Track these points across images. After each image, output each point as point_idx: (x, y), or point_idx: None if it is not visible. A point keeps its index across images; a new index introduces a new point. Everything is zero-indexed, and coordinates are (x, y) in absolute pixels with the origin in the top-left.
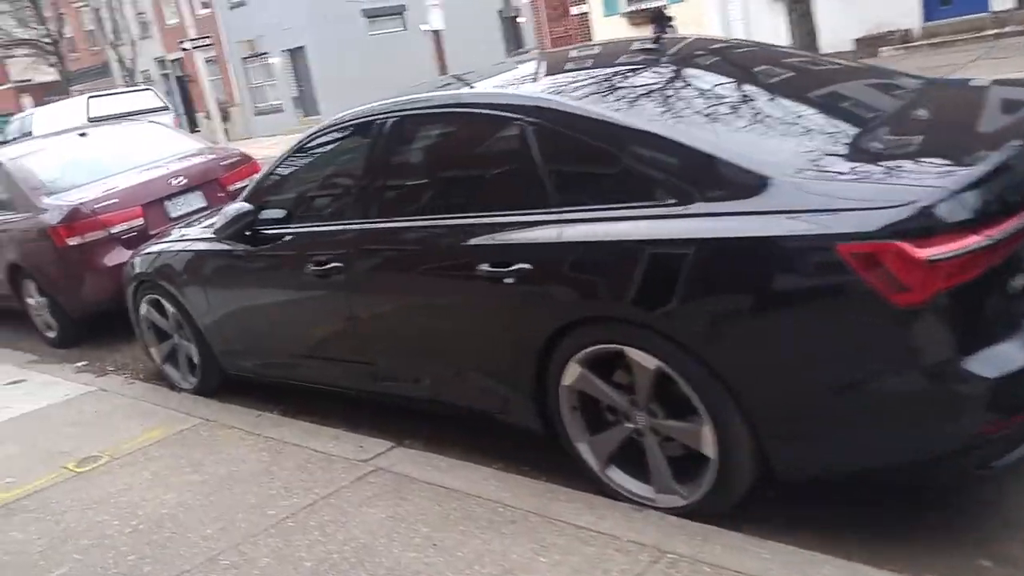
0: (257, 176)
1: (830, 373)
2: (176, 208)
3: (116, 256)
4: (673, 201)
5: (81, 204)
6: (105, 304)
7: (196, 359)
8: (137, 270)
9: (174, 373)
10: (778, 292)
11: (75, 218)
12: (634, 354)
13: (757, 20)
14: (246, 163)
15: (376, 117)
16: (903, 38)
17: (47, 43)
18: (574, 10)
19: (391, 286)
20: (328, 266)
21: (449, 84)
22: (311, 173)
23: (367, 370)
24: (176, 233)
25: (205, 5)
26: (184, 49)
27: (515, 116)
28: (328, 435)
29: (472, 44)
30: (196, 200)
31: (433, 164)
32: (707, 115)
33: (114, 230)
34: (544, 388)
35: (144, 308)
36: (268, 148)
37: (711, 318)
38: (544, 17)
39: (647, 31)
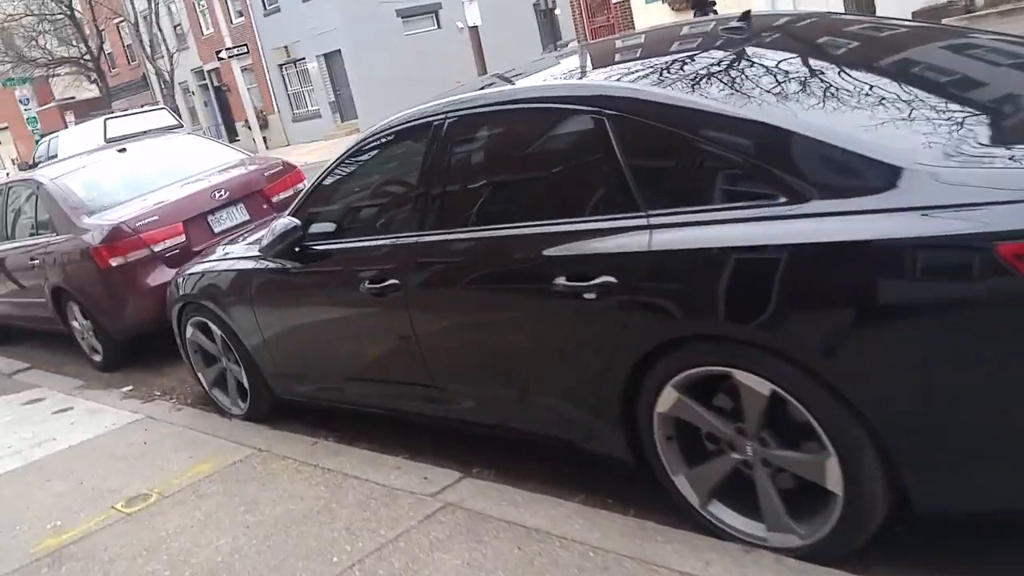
0: (304, 189)
1: (987, 394)
2: (219, 223)
3: (159, 276)
4: (784, 200)
5: (122, 223)
6: (149, 325)
7: (245, 384)
8: (181, 292)
9: (223, 398)
10: (921, 303)
11: (117, 237)
12: (745, 378)
13: None
14: (289, 172)
15: (432, 119)
16: (967, 8)
17: (87, 60)
18: None
19: (455, 304)
20: (385, 283)
21: (496, 82)
22: (362, 183)
23: (430, 394)
24: (220, 251)
25: (240, 14)
26: (220, 59)
27: (593, 109)
28: (389, 465)
29: (509, 39)
30: (239, 213)
31: (498, 167)
32: (817, 99)
33: (156, 248)
34: (633, 414)
35: (190, 331)
36: (308, 155)
37: (839, 336)
38: (584, 8)
39: (689, 17)
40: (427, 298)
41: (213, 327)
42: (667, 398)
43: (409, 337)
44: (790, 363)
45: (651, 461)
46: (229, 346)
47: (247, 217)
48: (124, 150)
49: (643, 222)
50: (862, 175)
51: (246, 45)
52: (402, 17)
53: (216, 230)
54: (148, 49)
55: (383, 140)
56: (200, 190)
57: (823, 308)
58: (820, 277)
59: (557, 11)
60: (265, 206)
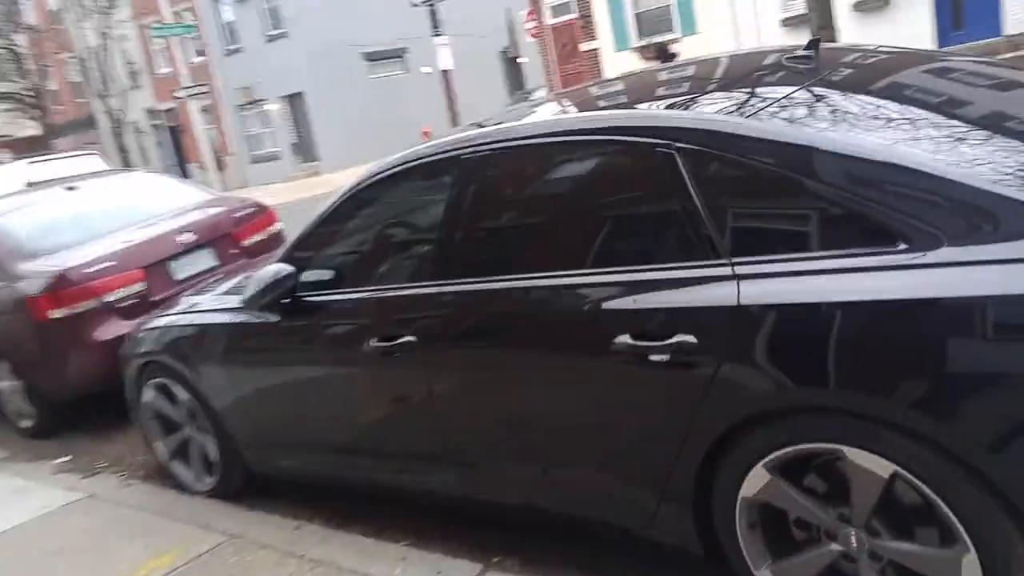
0: (298, 232)
1: None
2: (182, 269)
3: (111, 328)
4: (905, 247)
5: (69, 269)
6: (96, 385)
7: (214, 454)
8: (140, 349)
9: (185, 472)
10: None
11: (60, 286)
12: (859, 457)
13: None
14: (261, 214)
15: (459, 152)
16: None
17: (29, 95)
18: (583, 47)
19: (485, 364)
20: (397, 341)
21: (534, 112)
22: (368, 225)
23: (446, 469)
24: (185, 302)
25: (199, 53)
26: (178, 98)
27: (660, 142)
28: (392, 555)
29: (475, 85)
30: (206, 259)
31: (542, 207)
32: (926, 133)
33: (109, 298)
34: (707, 497)
35: (149, 394)
36: (267, 197)
37: (980, 407)
38: (554, 55)
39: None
40: (450, 358)
41: (177, 389)
42: (756, 480)
43: (424, 403)
44: (920, 440)
45: (727, 552)
46: (195, 411)
47: (215, 263)
48: (74, 188)
49: (727, 271)
50: (1002, 218)
51: (206, 84)
52: (368, 60)
53: (179, 277)
54: (101, 85)
55: (396, 176)
56: (161, 232)
57: (962, 373)
58: (957, 336)
59: (522, 59)
60: (235, 251)
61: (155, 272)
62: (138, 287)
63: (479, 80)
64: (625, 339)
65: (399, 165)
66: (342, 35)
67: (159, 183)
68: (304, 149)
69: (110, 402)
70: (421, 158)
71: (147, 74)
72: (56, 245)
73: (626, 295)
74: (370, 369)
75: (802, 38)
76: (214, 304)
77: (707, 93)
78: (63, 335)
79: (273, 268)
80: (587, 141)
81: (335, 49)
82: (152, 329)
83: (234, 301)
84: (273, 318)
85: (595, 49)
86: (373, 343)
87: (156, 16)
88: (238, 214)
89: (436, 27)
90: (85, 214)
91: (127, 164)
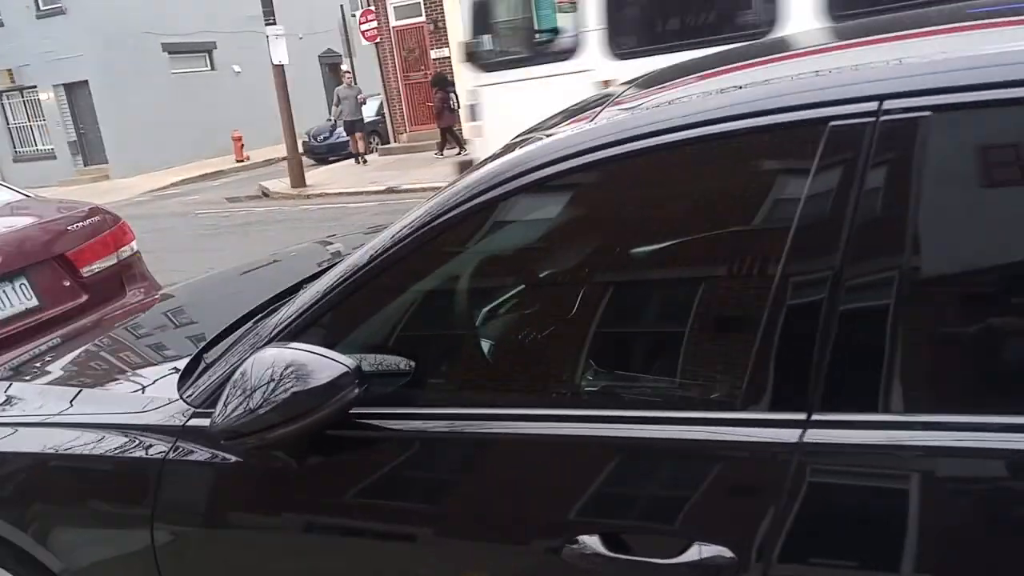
0: (327, 281)
1: None
2: None
3: None
4: None
5: None
6: None
7: None
8: None
9: None
10: None
11: None
12: None
13: None
14: (108, 227)
15: (840, 109)
16: None
17: None
18: (434, 54)
19: None
20: (679, 559)
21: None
22: (547, 267)
23: None
24: (11, 395)
25: None
26: None
27: None
28: None
29: (293, 90)
30: (18, 296)
31: None
32: None
33: None
34: None
35: None
36: None
37: None
38: (399, 62)
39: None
40: None
41: None
42: None
43: None
44: None
45: None
46: None
47: (34, 303)
48: None
49: None
50: None
51: None
52: (169, 52)
53: None
54: None
55: (627, 162)
56: None
57: None
58: None
59: (343, 67)
60: (67, 283)
61: None
62: None
63: (298, 85)
64: None
65: (641, 137)
66: (137, 20)
67: None
68: (87, 149)
69: None
70: (684, 125)
71: None
72: None
73: None
74: None
75: None
76: (104, 414)
77: None
78: None
79: (296, 359)
80: None
81: (128, 36)
82: None
83: (160, 411)
84: (271, 457)
85: (447, 57)
86: (589, 545)
87: None
88: (72, 225)
89: (270, 16)
90: None
91: None
